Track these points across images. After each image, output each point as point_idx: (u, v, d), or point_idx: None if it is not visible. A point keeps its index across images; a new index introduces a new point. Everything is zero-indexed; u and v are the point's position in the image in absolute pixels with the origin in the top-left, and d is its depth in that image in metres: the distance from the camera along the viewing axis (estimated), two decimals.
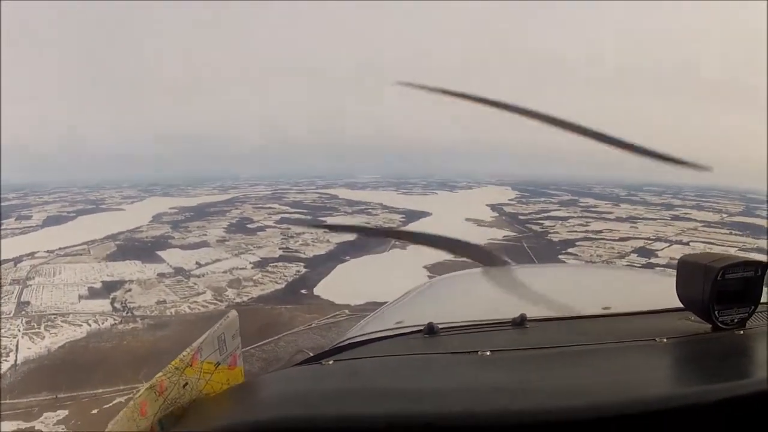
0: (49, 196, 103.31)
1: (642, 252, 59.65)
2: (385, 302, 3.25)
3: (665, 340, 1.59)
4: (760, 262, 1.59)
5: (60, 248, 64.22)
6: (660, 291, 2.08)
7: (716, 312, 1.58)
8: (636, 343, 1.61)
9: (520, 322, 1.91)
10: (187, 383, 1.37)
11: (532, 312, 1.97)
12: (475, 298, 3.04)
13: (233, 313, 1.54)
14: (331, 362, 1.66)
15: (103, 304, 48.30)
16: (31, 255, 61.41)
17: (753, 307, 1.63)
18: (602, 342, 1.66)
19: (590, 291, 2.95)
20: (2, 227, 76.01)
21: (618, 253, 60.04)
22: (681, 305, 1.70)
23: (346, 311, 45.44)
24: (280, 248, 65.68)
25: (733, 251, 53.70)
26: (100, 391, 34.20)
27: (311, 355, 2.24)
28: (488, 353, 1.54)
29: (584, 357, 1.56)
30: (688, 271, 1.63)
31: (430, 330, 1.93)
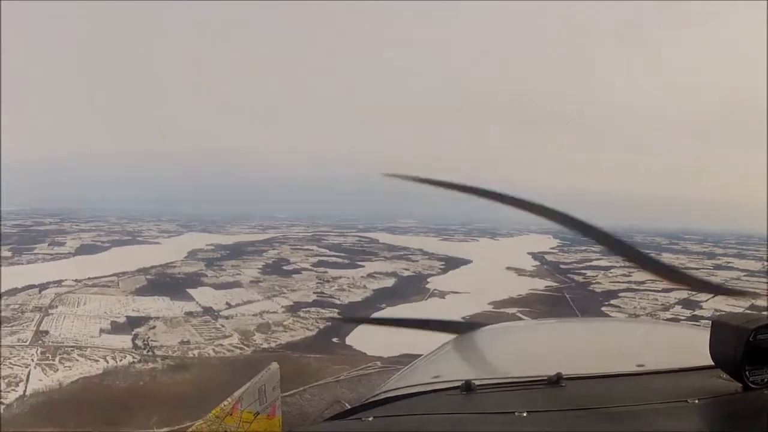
0: (86, 224, 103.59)
1: (686, 303, 57.05)
2: (420, 354, 3.15)
3: (696, 401, 1.64)
4: None
5: (89, 278, 62.63)
6: (693, 347, 2.07)
7: (747, 372, 1.62)
8: (668, 404, 1.65)
9: (556, 380, 1.93)
10: None
11: (568, 368, 2.00)
12: (511, 353, 2.99)
13: (275, 365, 1.66)
14: (371, 418, 1.72)
15: (124, 340, 46.06)
16: (59, 283, 59.90)
17: None
18: (635, 403, 1.68)
19: (624, 347, 2.86)
20: (35, 251, 75.88)
21: (662, 305, 57.82)
22: (713, 362, 1.73)
23: (378, 363, 42.40)
24: (314, 292, 63.05)
25: None
26: None
27: (348, 406, 2.31)
28: (525, 414, 1.59)
29: (617, 418, 1.60)
30: (721, 332, 1.67)
31: (468, 387, 1.95)
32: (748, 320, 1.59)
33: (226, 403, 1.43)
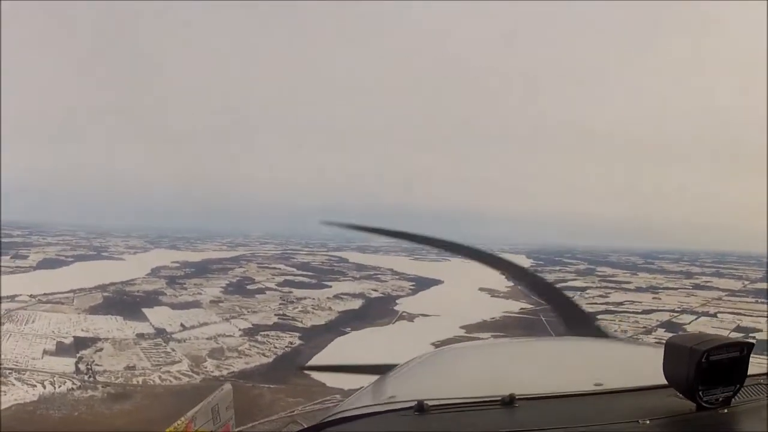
0: (53, 237, 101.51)
1: (669, 326, 56.60)
2: None
3: (648, 421, 1.67)
4: (745, 343, 1.69)
5: (44, 294, 60.68)
6: (650, 366, 2.09)
7: (701, 392, 1.66)
8: (621, 425, 1.68)
9: (510, 401, 1.94)
10: None
11: (523, 389, 2.01)
12: (467, 373, 2.98)
13: (228, 386, 1.73)
14: None
15: (67, 363, 44.34)
16: (12, 298, 57.79)
17: (738, 385, 1.71)
18: (587, 424, 1.71)
19: (580, 366, 2.87)
20: None
21: (644, 327, 57.40)
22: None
23: (338, 396, 38.96)
24: (276, 314, 61.44)
25: (763, 321, 51.17)
26: None
27: (304, 426, 2.30)
28: None
29: None
30: (674, 353, 1.70)
31: (420, 408, 1.96)
32: (701, 341, 1.62)
33: (179, 422, 1.41)
